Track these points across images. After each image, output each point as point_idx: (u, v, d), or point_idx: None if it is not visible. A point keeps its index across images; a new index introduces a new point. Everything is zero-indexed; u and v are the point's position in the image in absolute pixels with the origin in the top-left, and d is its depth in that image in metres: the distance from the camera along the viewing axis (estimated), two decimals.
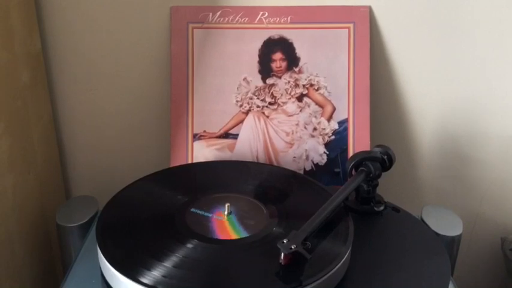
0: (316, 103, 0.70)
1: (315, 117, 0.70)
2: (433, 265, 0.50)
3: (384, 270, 0.49)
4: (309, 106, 0.70)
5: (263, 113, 0.70)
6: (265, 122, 0.70)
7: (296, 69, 0.70)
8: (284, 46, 0.70)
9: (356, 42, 0.69)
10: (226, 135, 0.70)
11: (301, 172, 0.69)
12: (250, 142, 0.70)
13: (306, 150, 0.70)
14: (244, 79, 0.70)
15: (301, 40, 0.70)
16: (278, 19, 0.70)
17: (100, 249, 0.47)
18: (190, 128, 0.70)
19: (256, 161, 0.69)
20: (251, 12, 0.70)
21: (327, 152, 0.70)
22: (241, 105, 0.70)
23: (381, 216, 0.57)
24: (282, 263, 0.44)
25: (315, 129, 0.70)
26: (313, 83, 0.70)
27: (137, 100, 0.74)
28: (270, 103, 0.70)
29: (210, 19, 0.70)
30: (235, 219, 0.53)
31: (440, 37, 0.71)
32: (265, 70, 0.70)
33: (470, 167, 0.77)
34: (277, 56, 0.70)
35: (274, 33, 0.70)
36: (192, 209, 0.54)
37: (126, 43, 0.71)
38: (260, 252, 0.48)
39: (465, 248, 0.78)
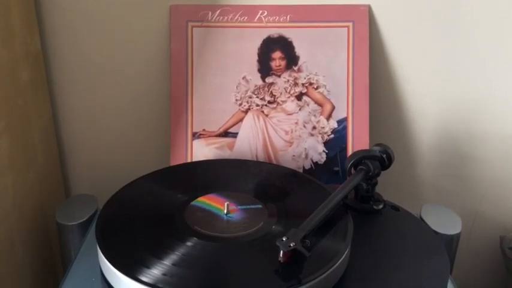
0: (316, 102, 0.70)
1: (314, 115, 0.70)
2: (432, 263, 0.50)
3: (383, 268, 0.49)
4: (308, 105, 0.70)
5: (262, 111, 0.70)
6: (264, 120, 0.70)
7: (295, 68, 0.70)
8: (283, 45, 0.70)
9: (355, 41, 0.69)
10: (225, 133, 0.70)
11: (301, 171, 0.69)
12: (250, 141, 0.70)
13: (305, 148, 0.70)
14: (244, 78, 0.70)
15: (301, 39, 0.70)
16: (277, 18, 0.70)
17: (100, 247, 0.48)
18: (190, 126, 0.70)
19: (255, 159, 0.70)
20: (250, 10, 0.70)
21: (326, 151, 0.70)
22: (240, 104, 0.70)
23: (380, 215, 0.57)
24: (281, 261, 0.44)
25: (314, 127, 0.70)
26: (312, 81, 0.70)
27: (137, 99, 0.74)
28: (269, 102, 0.70)
29: (210, 18, 0.70)
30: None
31: (440, 36, 0.71)
32: (265, 69, 0.70)
33: (469, 166, 0.77)
34: (277, 54, 0.70)
35: (274, 32, 0.70)
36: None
37: (126, 41, 0.72)
38: (259, 250, 0.48)
39: (464, 246, 0.78)
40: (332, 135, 0.70)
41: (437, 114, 0.74)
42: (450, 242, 0.61)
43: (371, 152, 0.57)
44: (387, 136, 0.75)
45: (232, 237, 0.49)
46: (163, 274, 0.44)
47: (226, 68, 0.70)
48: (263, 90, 0.70)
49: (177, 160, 0.69)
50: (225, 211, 0.53)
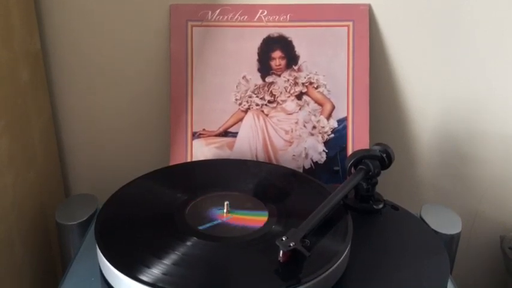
0: (316, 101, 0.70)
1: (314, 115, 0.70)
2: (432, 263, 0.50)
3: (383, 268, 0.49)
4: (308, 104, 0.70)
5: (262, 111, 0.70)
6: (264, 120, 0.70)
7: (295, 68, 0.70)
8: (283, 44, 0.70)
9: (355, 41, 0.69)
10: (225, 133, 0.70)
11: (301, 170, 0.69)
12: (250, 140, 0.70)
13: (305, 148, 0.70)
14: (244, 77, 0.70)
15: (301, 38, 0.70)
16: (277, 17, 0.70)
17: (99, 247, 0.48)
18: (190, 126, 0.70)
19: (255, 159, 0.70)
20: (250, 10, 0.70)
21: (326, 150, 0.70)
22: (240, 104, 0.70)
23: (380, 215, 0.57)
24: (281, 261, 0.44)
25: (314, 127, 0.70)
26: (312, 81, 0.70)
27: (136, 98, 0.74)
28: (269, 101, 0.70)
29: (210, 17, 0.70)
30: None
31: (440, 35, 0.71)
32: (265, 68, 0.70)
33: (469, 166, 0.77)
34: (277, 54, 0.70)
35: (274, 32, 0.70)
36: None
37: (126, 41, 0.71)
38: (259, 249, 0.48)
39: (464, 246, 0.78)
40: (332, 135, 0.70)
41: (437, 114, 0.74)
42: (450, 242, 0.60)
43: (371, 151, 0.57)
44: (387, 136, 0.75)
45: (232, 237, 0.49)
46: (163, 274, 0.44)
47: (226, 68, 0.70)
48: (263, 89, 0.70)
49: (176, 160, 0.69)
50: (225, 211, 0.53)
